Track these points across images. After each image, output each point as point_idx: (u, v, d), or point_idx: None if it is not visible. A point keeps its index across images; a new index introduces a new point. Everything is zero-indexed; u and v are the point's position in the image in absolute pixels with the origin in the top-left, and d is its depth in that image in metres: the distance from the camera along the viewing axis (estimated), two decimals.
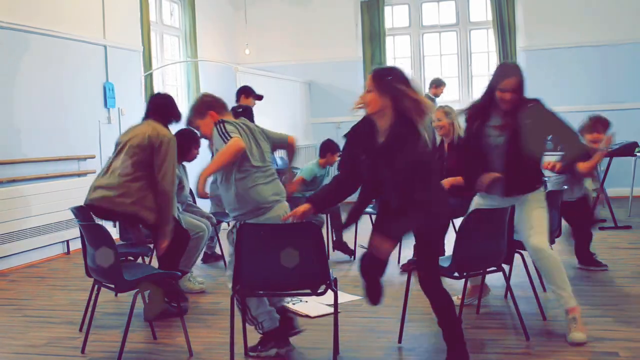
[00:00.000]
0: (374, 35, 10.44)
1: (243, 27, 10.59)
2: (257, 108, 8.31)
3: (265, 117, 8.60)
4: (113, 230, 6.33)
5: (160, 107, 4.37)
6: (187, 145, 5.04)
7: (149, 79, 8.25)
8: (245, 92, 7.71)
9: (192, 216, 5.10)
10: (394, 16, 10.77)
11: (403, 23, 10.78)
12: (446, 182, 5.37)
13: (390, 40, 10.76)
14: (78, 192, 6.16)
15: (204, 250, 5.75)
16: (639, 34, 9.43)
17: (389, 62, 10.62)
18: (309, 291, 3.30)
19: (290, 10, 10.71)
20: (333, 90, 10.52)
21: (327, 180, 6.75)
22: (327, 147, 6.34)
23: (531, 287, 4.24)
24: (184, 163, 5.24)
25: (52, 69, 6.80)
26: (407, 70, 10.94)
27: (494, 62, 10.12)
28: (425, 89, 9.53)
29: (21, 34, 6.39)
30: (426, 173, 3.01)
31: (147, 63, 8.23)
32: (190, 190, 5.43)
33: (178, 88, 9.42)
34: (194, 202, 5.53)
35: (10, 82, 6.32)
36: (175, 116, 4.39)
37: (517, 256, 4.21)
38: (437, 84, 9.50)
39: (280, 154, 8.64)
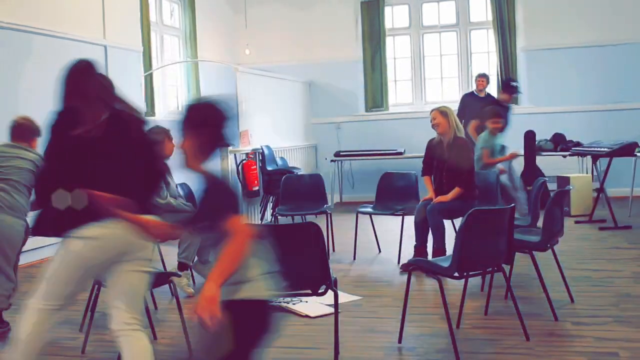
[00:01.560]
0: (374, 35, 10.44)
1: (243, 27, 10.58)
2: (257, 109, 8.29)
3: (266, 117, 8.61)
4: None
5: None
6: (159, 141, 4.98)
7: (149, 79, 8.24)
8: (504, 86, 7.49)
9: (185, 207, 5.03)
10: (394, 16, 10.76)
11: (403, 23, 10.77)
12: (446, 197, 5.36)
13: (390, 40, 10.75)
14: None
15: None
16: (639, 34, 9.44)
17: (389, 62, 10.63)
18: (309, 291, 3.30)
19: (290, 10, 10.70)
20: (333, 90, 10.52)
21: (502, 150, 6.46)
22: (489, 114, 6.32)
23: (531, 287, 4.24)
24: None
25: (53, 69, 6.76)
26: (407, 70, 10.70)
27: (494, 62, 10.12)
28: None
29: (22, 35, 6.38)
30: None
31: (147, 63, 8.22)
32: (177, 185, 5.34)
33: (178, 88, 9.42)
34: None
35: (11, 82, 6.30)
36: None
37: (517, 256, 4.21)
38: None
39: (280, 155, 8.64)
